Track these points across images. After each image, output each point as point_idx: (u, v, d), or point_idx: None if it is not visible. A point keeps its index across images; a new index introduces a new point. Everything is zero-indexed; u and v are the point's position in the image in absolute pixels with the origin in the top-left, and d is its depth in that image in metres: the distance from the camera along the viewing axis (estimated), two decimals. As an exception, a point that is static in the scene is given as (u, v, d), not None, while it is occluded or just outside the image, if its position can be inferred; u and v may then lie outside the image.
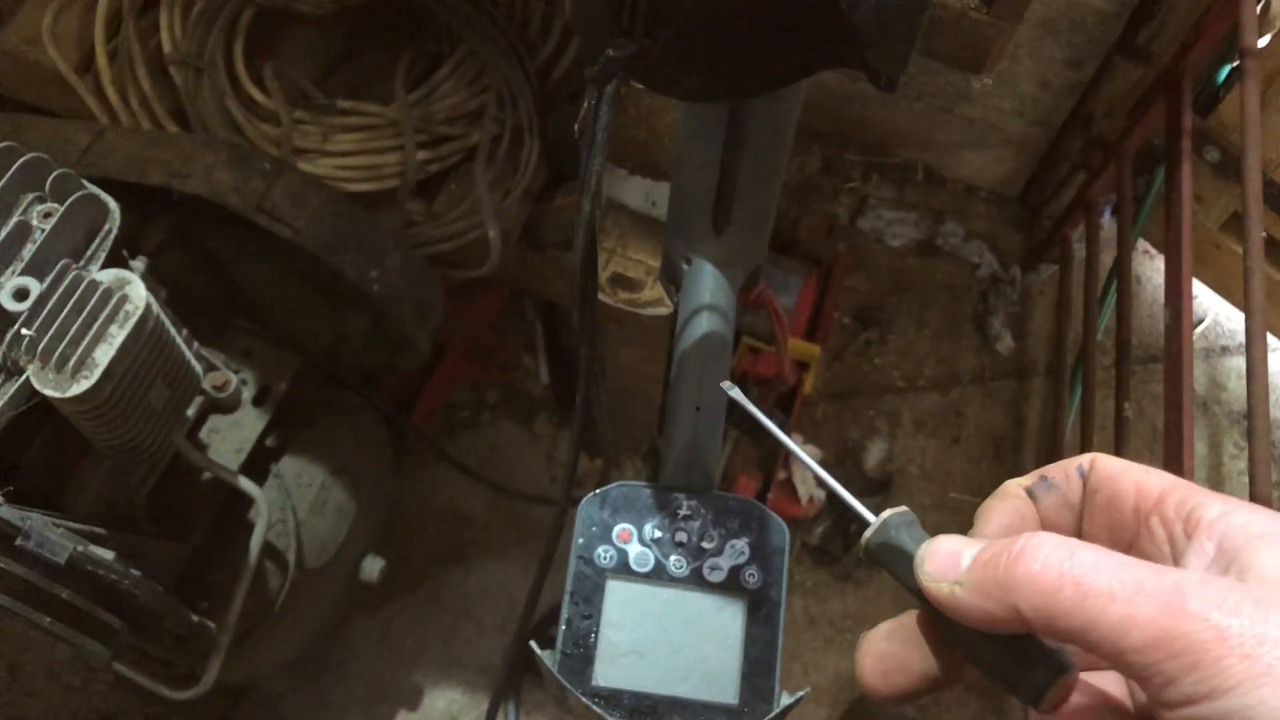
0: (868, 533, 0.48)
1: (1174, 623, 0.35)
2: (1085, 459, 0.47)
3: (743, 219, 0.71)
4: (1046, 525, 0.47)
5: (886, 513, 0.48)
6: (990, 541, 0.41)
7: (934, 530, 0.46)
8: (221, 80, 1.49)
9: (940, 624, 0.45)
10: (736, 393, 0.59)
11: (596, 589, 0.62)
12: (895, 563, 0.46)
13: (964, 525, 0.48)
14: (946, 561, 0.42)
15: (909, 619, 0.47)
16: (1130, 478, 0.44)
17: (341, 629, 1.91)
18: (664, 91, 0.58)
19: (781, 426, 0.56)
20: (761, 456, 1.90)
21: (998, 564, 0.40)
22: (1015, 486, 0.48)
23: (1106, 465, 0.46)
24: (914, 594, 0.45)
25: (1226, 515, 0.40)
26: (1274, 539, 0.38)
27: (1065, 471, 0.47)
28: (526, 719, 1.86)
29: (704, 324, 0.72)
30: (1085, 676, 0.45)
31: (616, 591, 0.62)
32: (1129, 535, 0.44)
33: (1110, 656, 0.36)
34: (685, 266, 0.75)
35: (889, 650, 0.47)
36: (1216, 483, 2.14)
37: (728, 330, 0.72)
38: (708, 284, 0.73)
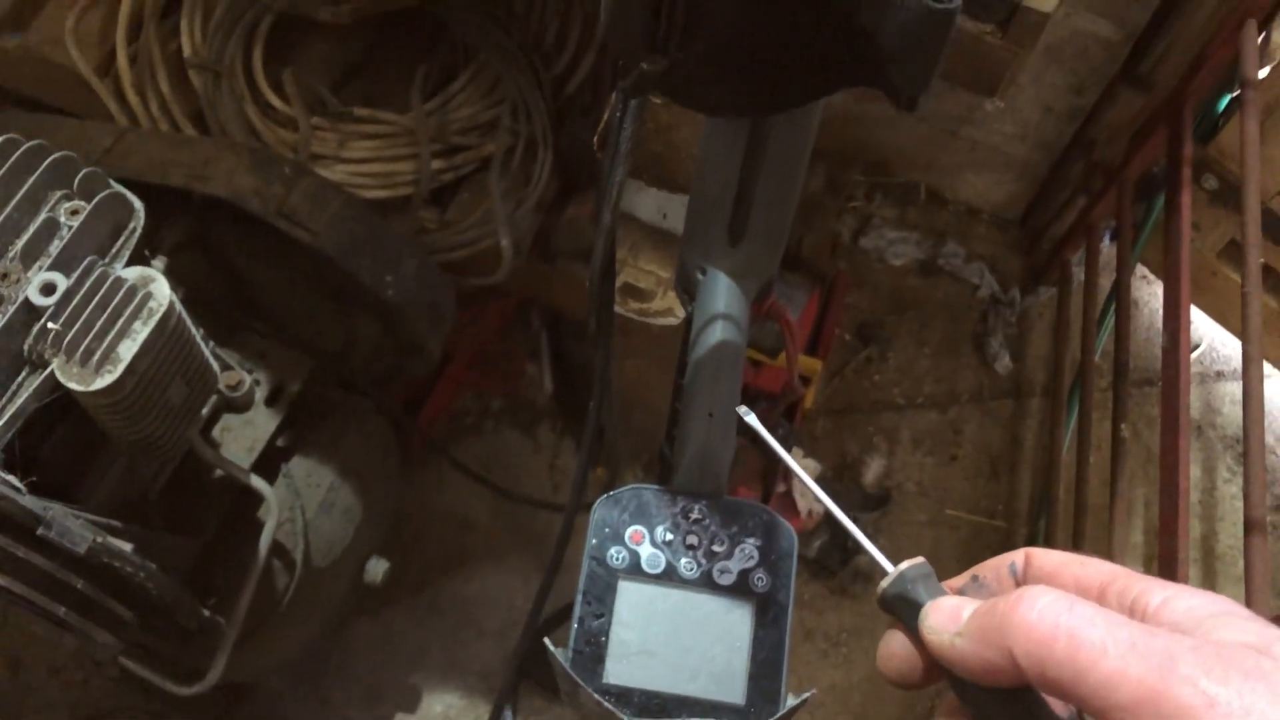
0: (884, 582, 0.49)
1: (1164, 685, 0.35)
2: (1018, 555, 0.48)
3: (758, 232, 0.74)
4: None
5: (904, 564, 0.48)
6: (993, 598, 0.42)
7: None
8: (240, 85, 1.51)
9: (959, 694, 0.45)
10: (753, 419, 0.60)
11: (608, 589, 0.63)
12: (908, 615, 0.47)
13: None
14: (949, 615, 0.44)
15: None
16: (1068, 572, 0.45)
17: (342, 631, 1.92)
18: (690, 105, 0.61)
19: (787, 439, 0.58)
20: (762, 469, 1.92)
21: (995, 611, 0.41)
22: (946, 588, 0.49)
23: (1043, 562, 0.47)
24: (920, 647, 0.46)
25: (1169, 601, 0.41)
26: (1225, 617, 0.39)
27: (997, 570, 0.48)
28: (523, 725, 1.87)
29: (718, 333, 0.74)
30: None
31: (628, 592, 0.63)
32: None
33: (1098, 712, 0.37)
34: (700, 277, 0.77)
35: None
36: (1210, 506, 2.16)
37: (741, 339, 0.74)
38: (722, 294, 0.75)
